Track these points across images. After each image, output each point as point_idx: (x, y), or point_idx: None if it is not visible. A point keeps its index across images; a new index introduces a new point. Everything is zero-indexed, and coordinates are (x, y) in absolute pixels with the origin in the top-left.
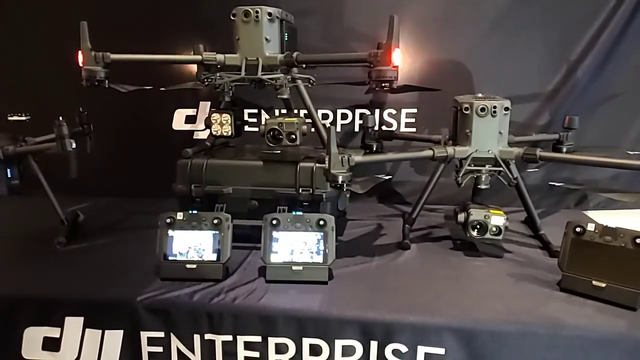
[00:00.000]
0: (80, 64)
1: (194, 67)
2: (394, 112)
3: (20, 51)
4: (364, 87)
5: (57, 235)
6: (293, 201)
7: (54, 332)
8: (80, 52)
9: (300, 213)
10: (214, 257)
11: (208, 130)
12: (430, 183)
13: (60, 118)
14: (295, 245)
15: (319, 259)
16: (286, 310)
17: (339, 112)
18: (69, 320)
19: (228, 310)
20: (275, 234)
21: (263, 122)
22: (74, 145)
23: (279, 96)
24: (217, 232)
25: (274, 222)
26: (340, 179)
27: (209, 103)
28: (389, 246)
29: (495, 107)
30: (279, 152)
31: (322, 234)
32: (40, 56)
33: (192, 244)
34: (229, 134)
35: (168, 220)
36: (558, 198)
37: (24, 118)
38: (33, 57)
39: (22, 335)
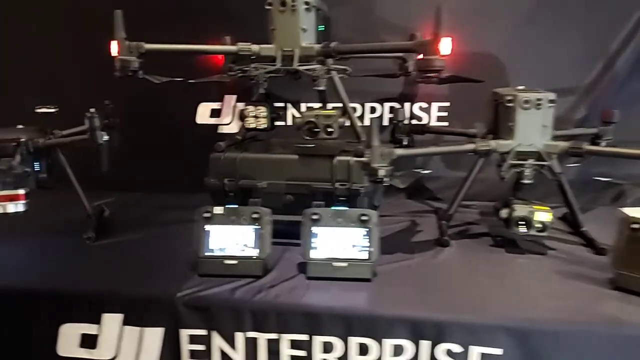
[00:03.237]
0: (114, 54)
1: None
2: (425, 105)
3: (45, 43)
4: (394, 80)
5: (84, 229)
6: (329, 196)
7: (91, 329)
8: (113, 42)
9: (343, 208)
10: (254, 252)
11: (233, 124)
12: (468, 178)
13: (92, 110)
14: (337, 241)
15: (363, 255)
16: (332, 308)
17: (367, 105)
18: (107, 317)
19: (272, 308)
20: (315, 229)
21: (297, 115)
22: (105, 138)
23: (315, 88)
24: (257, 226)
25: (315, 217)
26: (381, 172)
27: (235, 96)
28: (427, 243)
29: (540, 99)
30: (312, 145)
31: (366, 229)
32: (63, 48)
33: (231, 239)
34: (265, 127)
35: (206, 215)
36: (594, 194)
37: (52, 110)
38: (57, 49)
39: (57, 332)
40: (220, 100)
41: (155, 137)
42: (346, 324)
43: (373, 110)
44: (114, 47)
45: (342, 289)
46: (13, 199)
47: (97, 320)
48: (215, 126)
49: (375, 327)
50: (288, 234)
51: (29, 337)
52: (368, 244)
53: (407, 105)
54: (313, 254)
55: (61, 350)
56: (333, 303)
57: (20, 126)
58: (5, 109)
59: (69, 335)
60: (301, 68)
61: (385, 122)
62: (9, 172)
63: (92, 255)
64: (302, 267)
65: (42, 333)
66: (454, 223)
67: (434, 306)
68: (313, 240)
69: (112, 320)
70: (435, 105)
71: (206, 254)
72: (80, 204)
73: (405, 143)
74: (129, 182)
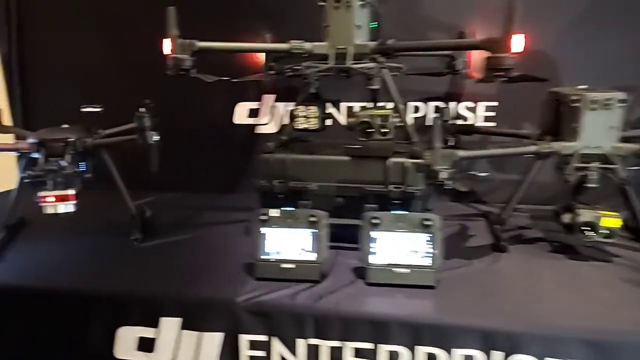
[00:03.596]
0: (167, 52)
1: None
2: (471, 105)
3: (86, 41)
4: (437, 79)
5: (130, 230)
6: (382, 199)
7: (148, 333)
8: (166, 40)
9: (404, 212)
10: (311, 256)
11: (271, 124)
12: (525, 181)
13: (142, 109)
14: (398, 246)
15: (426, 261)
16: (397, 315)
17: (410, 104)
18: (165, 321)
19: (334, 314)
20: (374, 234)
21: (351, 115)
22: (155, 138)
23: (369, 87)
24: (314, 230)
25: (375, 221)
26: (443, 175)
27: (273, 96)
28: (483, 248)
29: (609, 99)
30: (363, 146)
31: (429, 235)
32: (103, 47)
33: (288, 243)
34: (316, 127)
35: (262, 217)
36: None
37: (97, 109)
38: (96, 48)
39: (114, 335)
40: (259, 100)
41: (192, 137)
42: (413, 333)
43: (416, 109)
44: (167, 45)
45: (406, 295)
46: (64, 199)
47: (154, 324)
48: (253, 126)
49: (444, 336)
50: (339, 237)
51: (86, 340)
52: (431, 250)
53: (452, 104)
54: (372, 260)
55: (119, 353)
56: (398, 310)
57: (66, 125)
58: (46, 107)
59: (126, 338)
60: (356, 66)
61: (428, 122)
62: (59, 172)
63: (142, 256)
64: (361, 272)
65: (100, 335)
66: (505, 227)
67: (506, 315)
68: (372, 245)
69: (170, 324)
70: (482, 105)
71: (262, 257)
72: (124, 204)
73: (451, 144)
74: (165, 182)
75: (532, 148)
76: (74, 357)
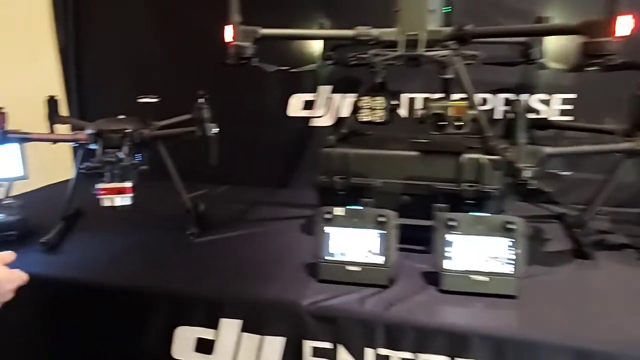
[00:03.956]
0: (228, 40)
1: (314, 48)
2: (545, 97)
3: (141, 33)
4: (507, 69)
5: (185, 224)
6: (453, 198)
7: (207, 334)
8: (228, 26)
9: (484, 214)
10: (379, 259)
11: (326, 117)
12: (611, 181)
13: (201, 100)
14: (477, 251)
15: (507, 269)
16: (477, 328)
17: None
18: (225, 322)
19: (407, 323)
20: (450, 237)
21: (421, 106)
22: (215, 130)
23: (442, 76)
24: (382, 231)
25: (451, 223)
26: (527, 174)
27: (330, 87)
28: (564, 254)
29: None
30: (432, 141)
31: (512, 240)
32: (157, 38)
33: (353, 244)
34: (382, 120)
35: (326, 216)
36: None
37: (153, 100)
38: (151, 39)
39: (172, 334)
40: (314, 91)
41: (244, 129)
42: (495, 347)
43: (484, 101)
44: (229, 32)
45: (486, 306)
46: (121, 191)
47: (214, 325)
48: (308, 119)
49: (530, 353)
50: (404, 238)
51: (143, 338)
52: (513, 256)
53: (523, 96)
54: (447, 265)
55: (176, 354)
56: (478, 322)
57: (122, 116)
58: (101, 98)
59: (184, 338)
60: (429, 54)
61: (497, 115)
62: (117, 164)
63: (199, 252)
64: (432, 278)
65: (157, 334)
66: (586, 231)
67: (600, 333)
68: (447, 249)
69: (230, 326)
70: (557, 98)
71: (326, 258)
72: (179, 197)
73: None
74: (216, 175)
75: (626, 145)
76: (131, 354)
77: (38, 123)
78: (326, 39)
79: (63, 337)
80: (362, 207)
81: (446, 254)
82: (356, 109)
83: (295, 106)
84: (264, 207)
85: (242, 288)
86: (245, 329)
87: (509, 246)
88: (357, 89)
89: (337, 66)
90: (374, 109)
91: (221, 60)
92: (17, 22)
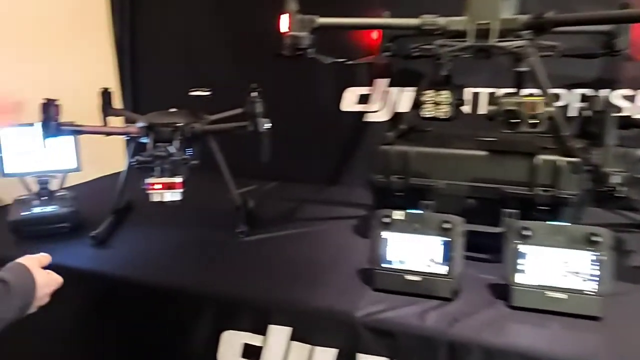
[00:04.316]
0: (284, 30)
1: (372, 39)
2: (630, 92)
3: (196, 25)
4: (584, 61)
5: (234, 222)
6: (524, 203)
7: (255, 340)
8: (284, 16)
9: (563, 224)
10: (442, 269)
11: (382, 112)
12: None
13: (254, 94)
14: (554, 265)
15: (589, 286)
16: (555, 352)
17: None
18: (274, 329)
19: (473, 342)
20: (524, 248)
21: (489, 102)
22: (267, 125)
23: (516, 69)
24: (446, 238)
25: (525, 232)
26: (615, 179)
27: (387, 80)
28: None
29: None
30: (499, 139)
31: (596, 254)
32: (212, 30)
33: (414, 251)
34: (447, 115)
35: (385, 220)
36: None
37: (206, 93)
38: (206, 31)
39: (219, 338)
40: (370, 85)
41: (295, 124)
42: None
43: (557, 97)
44: (284, 22)
45: (564, 327)
46: (171, 187)
47: (262, 331)
48: (362, 114)
49: None
50: (468, 245)
51: (189, 340)
52: (597, 272)
53: (603, 92)
54: (520, 279)
55: (222, 358)
56: (556, 346)
57: (174, 110)
58: (156, 91)
59: (231, 342)
60: (504, 44)
61: (572, 113)
62: (167, 158)
63: (248, 252)
64: (500, 292)
65: (203, 337)
66: None
67: None
68: (521, 261)
69: (279, 333)
70: None
71: (384, 265)
72: (228, 194)
73: None
74: (265, 170)
75: None
76: (176, 356)
77: (93, 115)
78: (388, 28)
79: (107, 333)
80: (423, 212)
81: (519, 267)
82: (418, 103)
83: (349, 100)
84: (315, 205)
85: (292, 294)
86: (295, 337)
87: (592, 261)
88: (416, 83)
89: (395, 58)
90: (438, 104)
91: (276, 52)
92: (75, 15)
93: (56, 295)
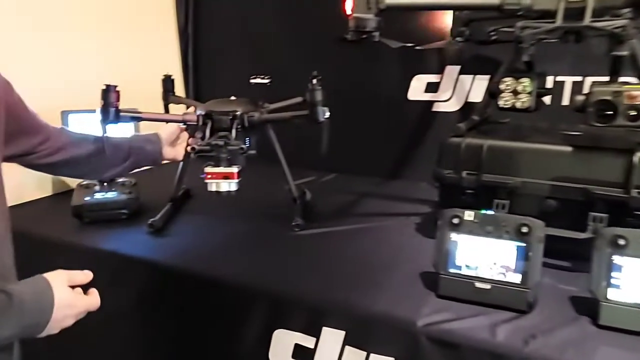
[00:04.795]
0: (348, 12)
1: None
2: None
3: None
4: None
5: (290, 214)
6: (617, 207)
7: (307, 341)
8: None
9: None
10: (516, 278)
11: (452, 101)
12: None
13: (315, 82)
14: None
15: None
16: None
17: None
18: (328, 332)
19: None
20: (618, 259)
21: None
22: (327, 114)
23: (615, 52)
24: (522, 244)
25: (620, 242)
26: None
27: (458, 68)
28: None
29: None
30: (587, 133)
31: None
32: (276, 17)
33: (485, 257)
34: (527, 106)
35: (454, 221)
36: None
37: (265, 81)
38: (269, 18)
39: (270, 336)
40: (440, 72)
41: (357, 113)
42: None
43: None
44: (349, 3)
45: None
46: (228, 177)
47: (314, 333)
48: (430, 103)
49: None
50: (545, 249)
51: (240, 335)
52: None
53: None
54: (612, 295)
55: (273, 357)
56: None
57: (233, 98)
58: (218, 78)
59: (282, 342)
60: (601, 25)
61: None
62: (225, 147)
63: (304, 247)
64: (586, 307)
65: (255, 334)
66: None
67: None
68: (615, 274)
69: (332, 336)
70: None
71: (451, 270)
72: (284, 184)
73: None
74: (322, 161)
75: None
76: (227, 350)
77: (155, 102)
78: (463, 9)
79: (159, 324)
80: (497, 213)
81: (612, 281)
82: (494, 92)
83: (417, 89)
84: (374, 199)
85: (348, 295)
86: (349, 342)
87: None
88: (489, 70)
89: (467, 44)
90: (518, 93)
91: (338, 36)
92: (139, 2)
93: (113, 281)
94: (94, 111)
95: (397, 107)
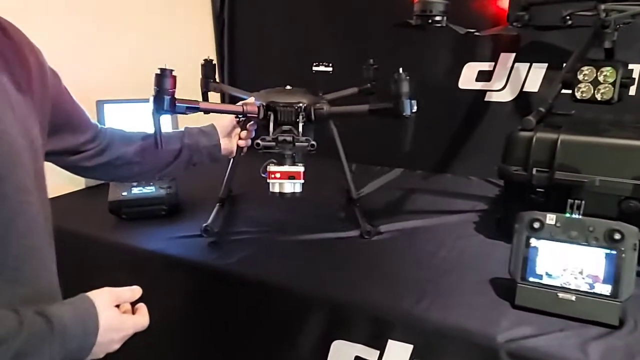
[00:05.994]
0: None
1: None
2: None
3: None
4: None
5: (347, 215)
6: None
7: (370, 354)
8: None
9: None
10: (605, 289)
11: (506, 90)
12: None
13: (401, 70)
14: None
15: None
16: None
17: None
18: (393, 345)
19: None
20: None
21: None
22: (414, 108)
23: None
24: (612, 251)
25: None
26: None
27: (513, 55)
28: None
29: None
30: None
31: None
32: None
33: (570, 265)
34: (608, 98)
35: (535, 225)
36: None
37: (328, 69)
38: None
39: (328, 347)
40: (493, 60)
41: None
42: None
43: None
44: None
45: None
46: (293, 176)
47: (378, 346)
48: (483, 92)
49: None
50: None
51: (297, 345)
52: None
53: None
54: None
55: None
56: None
57: (289, 87)
58: (254, 67)
59: (341, 354)
60: None
61: None
62: (292, 143)
63: (362, 251)
64: None
65: (312, 344)
66: None
67: None
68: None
69: (399, 350)
70: None
71: (530, 279)
72: (343, 183)
73: None
74: (366, 153)
75: None
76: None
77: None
78: None
79: (207, 332)
80: (581, 217)
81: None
82: (568, 82)
83: (468, 77)
84: (425, 195)
85: (415, 304)
86: (417, 356)
87: None
88: (547, 58)
89: (526, 29)
90: (598, 84)
91: (403, 21)
92: None
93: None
94: (131, 101)
95: (447, 95)
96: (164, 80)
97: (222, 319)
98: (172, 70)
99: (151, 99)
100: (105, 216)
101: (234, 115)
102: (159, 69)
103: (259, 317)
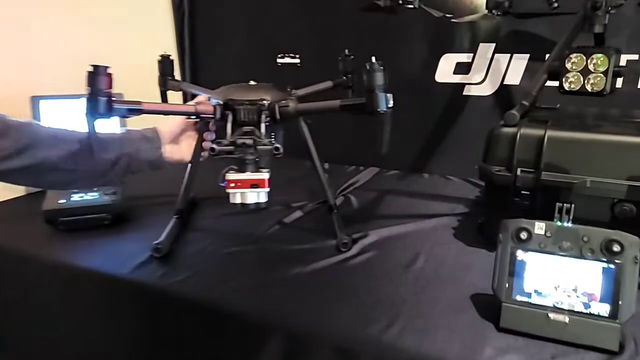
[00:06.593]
0: None
1: None
2: None
3: None
4: None
5: (322, 223)
6: None
7: None
8: None
9: None
10: (603, 309)
11: (485, 83)
12: None
13: (373, 59)
14: None
15: None
16: None
17: None
18: None
19: None
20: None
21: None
22: (390, 103)
23: None
24: (610, 265)
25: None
26: None
27: (493, 45)
28: None
29: None
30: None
31: None
32: None
33: (562, 280)
34: (600, 89)
35: (521, 235)
36: None
37: (295, 61)
38: None
39: None
40: (471, 51)
41: None
42: None
43: None
44: None
45: None
46: (256, 184)
47: None
48: (461, 86)
49: None
50: None
51: None
52: None
53: None
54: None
55: None
56: None
57: (252, 82)
58: (217, 62)
59: None
60: None
61: None
62: (254, 147)
63: (333, 268)
64: None
65: None
66: None
67: None
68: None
69: None
70: None
71: (517, 298)
72: (312, 181)
73: None
74: (334, 152)
75: None
76: None
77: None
78: None
79: (158, 357)
80: (574, 225)
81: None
82: (554, 72)
83: (445, 70)
84: (400, 197)
85: (384, 330)
86: None
87: None
88: (528, 49)
89: (507, 17)
90: (588, 73)
91: (370, 3)
92: None
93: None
94: (72, 97)
95: (423, 89)
96: (97, 78)
97: (170, 345)
98: (107, 67)
99: (84, 100)
100: (40, 227)
101: (184, 117)
102: (91, 65)
103: (210, 345)
